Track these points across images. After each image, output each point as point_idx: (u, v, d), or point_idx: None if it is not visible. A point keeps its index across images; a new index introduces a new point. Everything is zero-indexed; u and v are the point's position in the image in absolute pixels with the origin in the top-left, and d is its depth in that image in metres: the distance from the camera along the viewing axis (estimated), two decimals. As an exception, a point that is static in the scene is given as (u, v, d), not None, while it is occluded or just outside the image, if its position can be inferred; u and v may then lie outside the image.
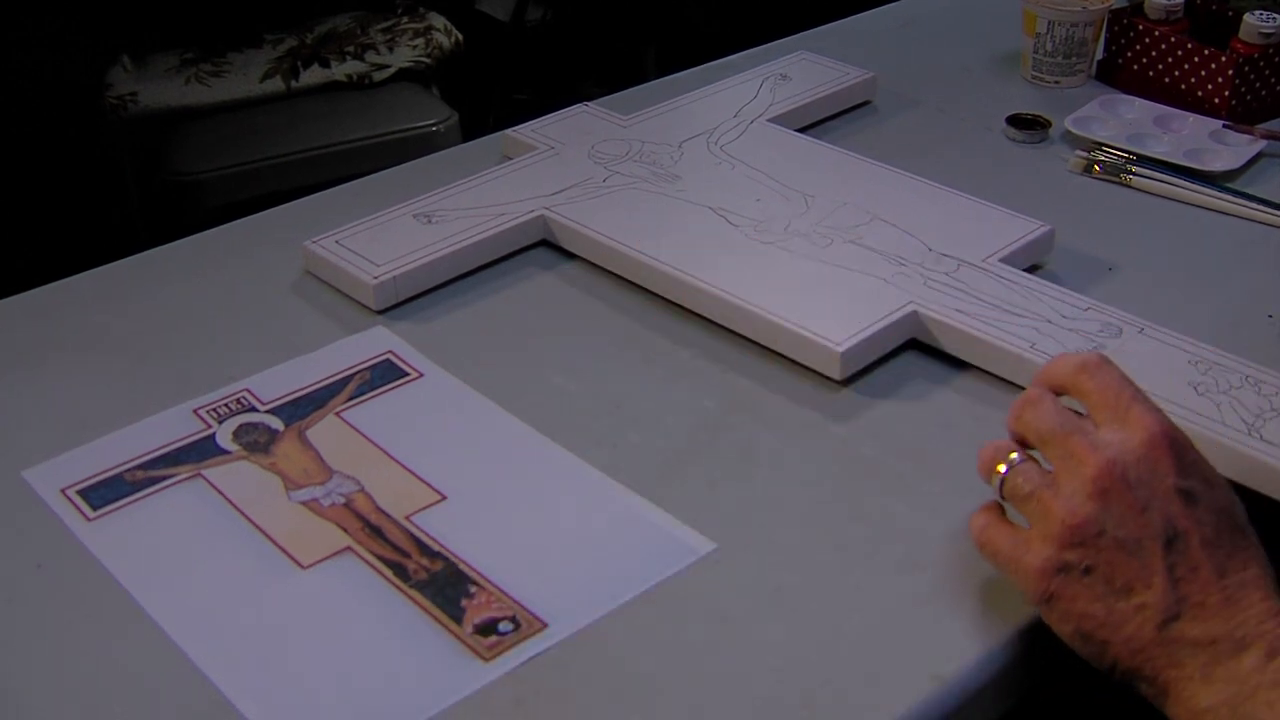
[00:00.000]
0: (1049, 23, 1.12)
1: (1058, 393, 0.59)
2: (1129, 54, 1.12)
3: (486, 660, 0.60)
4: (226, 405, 0.76)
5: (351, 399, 0.77)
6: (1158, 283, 0.87)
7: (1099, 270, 0.89)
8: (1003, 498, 0.58)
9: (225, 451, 0.73)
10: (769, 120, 1.04)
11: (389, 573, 0.65)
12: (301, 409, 0.76)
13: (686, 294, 0.84)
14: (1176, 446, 0.56)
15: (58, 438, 0.74)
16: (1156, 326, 0.78)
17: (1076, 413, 0.58)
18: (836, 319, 0.79)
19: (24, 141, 2.11)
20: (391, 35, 2.18)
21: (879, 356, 0.79)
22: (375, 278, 0.85)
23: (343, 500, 0.70)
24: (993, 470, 0.58)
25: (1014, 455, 0.58)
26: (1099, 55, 1.15)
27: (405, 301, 0.86)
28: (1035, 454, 0.59)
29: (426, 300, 0.87)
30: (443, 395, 0.78)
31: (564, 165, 0.98)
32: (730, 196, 0.93)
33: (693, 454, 0.73)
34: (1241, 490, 0.69)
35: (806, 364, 0.79)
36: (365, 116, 2.05)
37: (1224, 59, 1.05)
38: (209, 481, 0.71)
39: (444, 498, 0.70)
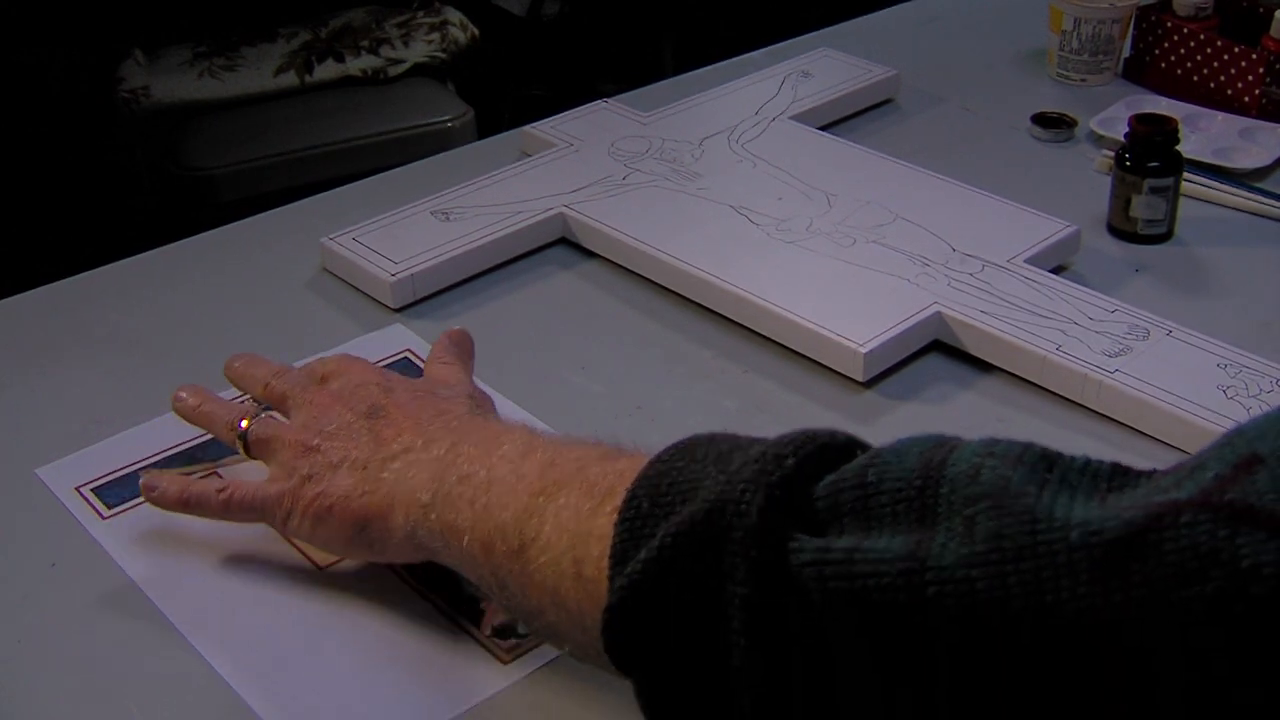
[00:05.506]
0: (1075, 20, 1.10)
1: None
2: (1157, 51, 1.10)
3: (505, 662, 0.59)
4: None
5: (369, 397, 0.76)
6: (1185, 284, 0.86)
7: (1125, 271, 0.88)
8: (247, 448, 0.65)
9: (241, 450, 0.72)
10: (790, 118, 1.03)
11: (407, 573, 0.64)
12: (318, 407, 0.75)
13: (707, 293, 0.83)
14: (384, 373, 0.65)
15: (72, 435, 0.74)
16: (1184, 329, 0.77)
17: None
18: (859, 320, 0.78)
19: (39, 137, 2.11)
20: (407, 30, 2.18)
21: (902, 358, 0.79)
22: (393, 275, 0.84)
23: (360, 500, 0.68)
24: (234, 426, 0.65)
25: (262, 414, 0.66)
26: (1126, 53, 1.13)
27: (423, 299, 0.86)
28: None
29: (445, 298, 0.86)
30: (461, 394, 0.77)
31: (583, 162, 0.97)
32: (751, 195, 0.92)
33: (714, 456, 0.72)
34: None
35: (829, 365, 0.78)
36: (380, 112, 2.04)
37: (1255, 56, 1.04)
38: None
39: (462, 498, 0.68)
